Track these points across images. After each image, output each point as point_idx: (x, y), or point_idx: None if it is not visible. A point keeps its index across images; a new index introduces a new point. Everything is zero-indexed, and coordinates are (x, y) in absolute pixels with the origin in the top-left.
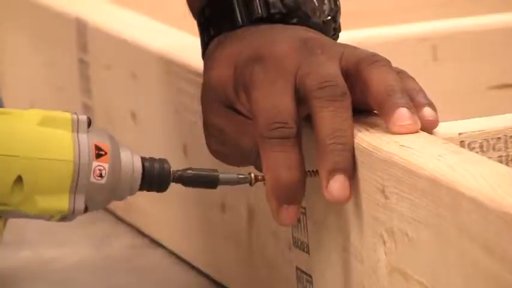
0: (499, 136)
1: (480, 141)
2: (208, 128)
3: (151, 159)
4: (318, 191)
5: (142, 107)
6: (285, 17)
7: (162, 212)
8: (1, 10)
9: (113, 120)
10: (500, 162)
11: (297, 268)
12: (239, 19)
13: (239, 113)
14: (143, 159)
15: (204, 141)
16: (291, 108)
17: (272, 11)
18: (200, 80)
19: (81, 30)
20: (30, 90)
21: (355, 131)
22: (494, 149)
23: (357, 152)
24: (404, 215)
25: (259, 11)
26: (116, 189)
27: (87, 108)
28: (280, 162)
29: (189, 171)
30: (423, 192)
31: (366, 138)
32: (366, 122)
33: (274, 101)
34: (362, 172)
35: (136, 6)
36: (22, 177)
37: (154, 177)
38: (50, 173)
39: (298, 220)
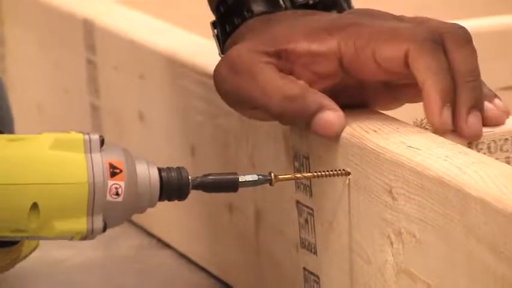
0: (506, 137)
1: (488, 142)
2: (232, 56)
3: (169, 169)
4: (326, 192)
5: (149, 107)
6: (326, 7)
7: (170, 213)
8: (9, 11)
9: (120, 121)
10: (508, 163)
11: (304, 269)
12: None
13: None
14: (160, 169)
15: (210, 142)
16: None
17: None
18: (207, 80)
19: (89, 31)
20: (38, 91)
21: (362, 132)
22: (501, 150)
23: (364, 153)
24: (412, 216)
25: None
26: (134, 203)
27: (94, 109)
28: (442, 66)
29: (209, 177)
30: (430, 193)
31: (374, 139)
32: (373, 123)
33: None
34: (369, 173)
35: (144, 7)
36: (37, 203)
37: (173, 187)
38: (65, 197)
39: (306, 221)
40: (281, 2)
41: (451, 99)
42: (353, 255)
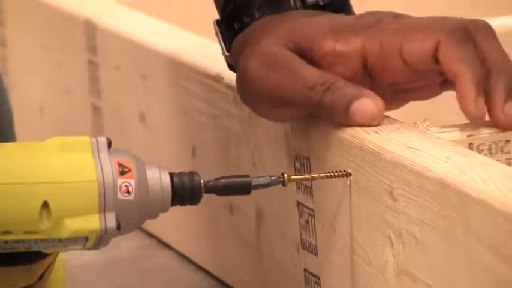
0: (507, 139)
1: (489, 143)
2: (266, 54)
3: (181, 174)
4: (326, 193)
5: (151, 108)
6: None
7: (170, 214)
8: (10, 12)
9: (121, 122)
10: (509, 164)
11: (305, 270)
12: (292, 3)
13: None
14: (172, 174)
15: (212, 143)
16: None
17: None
18: (209, 81)
19: (90, 32)
20: (40, 92)
21: (363, 133)
22: (502, 151)
23: (364, 154)
24: (413, 217)
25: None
26: (146, 206)
27: (96, 110)
28: (474, 56)
29: (221, 181)
30: (431, 194)
31: (374, 140)
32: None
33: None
34: (370, 174)
35: (145, 7)
36: (48, 202)
37: (185, 192)
38: (75, 195)
39: (307, 222)
40: (292, 2)
41: (485, 88)
42: (354, 256)
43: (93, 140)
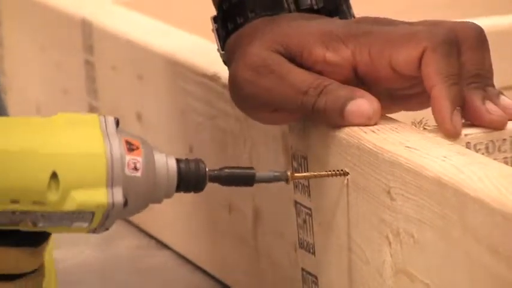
0: (504, 138)
1: (486, 142)
2: (254, 59)
3: (187, 160)
4: (324, 192)
5: (148, 108)
6: (329, 14)
7: (168, 213)
8: (7, 12)
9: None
10: (506, 163)
11: (303, 269)
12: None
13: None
14: (178, 160)
15: (209, 142)
16: None
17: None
18: (206, 81)
19: (87, 32)
20: (37, 92)
21: (360, 133)
22: (499, 150)
23: (362, 153)
24: (410, 216)
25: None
26: (152, 187)
27: (93, 109)
28: (453, 71)
29: (225, 170)
30: (429, 193)
31: (372, 139)
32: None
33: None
34: (368, 173)
35: (142, 7)
36: (57, 173)
37: (191, 178)
38: (84, 167)
39: (304, 221)
40: (285, 5)
41: (461, 103)
42: (351, 255)
43: (101, 117)
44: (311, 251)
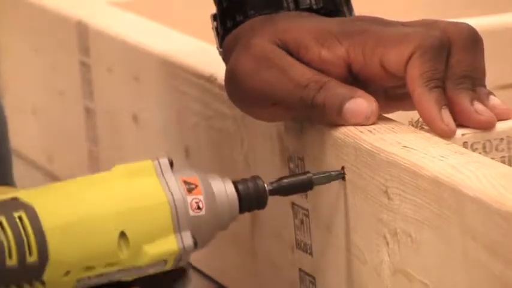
0: (501, 137)
1: (483, 142)
2: (256, 51)
3: (244, 180)
4: (321, 193)
5: (144, 109)
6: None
7: None
8: (2, 13)
9: (114, 123)
10: (503, 163)
11: (300, 270)
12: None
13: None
14: (235, 182)
15: (205, 144)
16: None
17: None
18: (201, 82)
19: (83, 33)
20: (32, 94)
21: (357, 133)
22: (497, 149)
23: (359, 153)
24: (408, 216)
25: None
26: (217, 218)
27: (89, 111)
28: (436, 76)
29: (284, 181)
30: (426, 193)
31: (369, 139)
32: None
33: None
34: (365, 173)
35: (138, 8)
36: (125, 231)
37: (252, 197)
38: (150, 220)
39: (301, 222)
40: (285, 3)
41: (444, 104)
42: (349, 255)
43: (156, 162)
44: (308, 251)
